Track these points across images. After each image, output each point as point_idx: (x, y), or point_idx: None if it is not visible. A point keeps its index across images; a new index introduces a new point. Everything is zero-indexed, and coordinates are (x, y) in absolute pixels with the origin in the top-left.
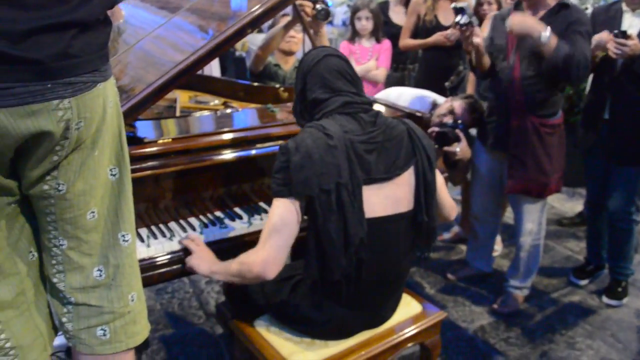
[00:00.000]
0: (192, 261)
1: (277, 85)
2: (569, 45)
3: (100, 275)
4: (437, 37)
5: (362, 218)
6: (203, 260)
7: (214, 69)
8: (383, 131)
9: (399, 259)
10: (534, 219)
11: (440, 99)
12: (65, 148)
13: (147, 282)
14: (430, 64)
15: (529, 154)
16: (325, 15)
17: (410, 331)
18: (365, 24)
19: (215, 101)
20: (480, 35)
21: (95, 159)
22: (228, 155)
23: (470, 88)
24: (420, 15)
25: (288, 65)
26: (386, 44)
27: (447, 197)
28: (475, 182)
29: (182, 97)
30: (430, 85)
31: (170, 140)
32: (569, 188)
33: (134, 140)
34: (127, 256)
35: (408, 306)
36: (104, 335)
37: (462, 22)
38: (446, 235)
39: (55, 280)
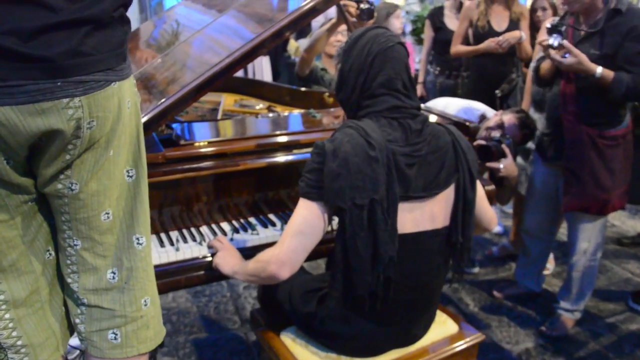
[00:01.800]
0: (216, 260)
1: (323, 90)
2: (629, 75)
3: (114, 278)
4: (488, 44)
5: (394, 236)
6: (226, 260)
7: (265, 72)
8: (428, 142)
9: (431, 276)
10: (589, 238)
11: (490, 111)
12: (78, 147)
13: (174, 286)
14: (481, 71)
15: (586, 168)
16: (369, 14)
17: (445, 352)
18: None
19: (260, 105)
20: (576, 52)
21: (110, 159)
22: (263, 160)
23: (526, 99)
24: (473, 20)
25: (335, 69)
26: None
27: (487, 208)
28: (529, 196)
29: (227, 100)
30: (481, 93)
31: (206, 143)
32: (632, 205)
33: (170, 142)
34: (141, 259)
35: (443, 325)
36: (115, 339)
37: (555, 45)
38: (495, 250)
39: (69, 280)
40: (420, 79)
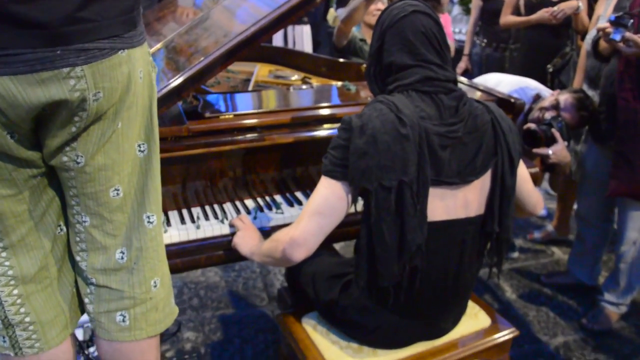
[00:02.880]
0: (236, 239)
1: (362, 62)
2: None
3: (122, 258)
4: (541, 14)
5: (423, 222)
6: (245, 240)
7: (305, 42)
8: (465, 123)
9: (462, 268)
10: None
11: (545, 91)
12: (84, 119)
13: (194, 265)
14: (532, 44)
15: (639, 152)
16: None
17: (475, 347)
18: None
19: (295, 76)
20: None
21: (119, 132)
22: (291, 135)
23: (578, 75)
24: None
25: None
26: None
27: (532, 191)
28: (581, 179)
29: (261, 71)
30: (531, 67)
31: (232, 116)
32: None
33: (196, 115)
34: (152, 239)
35: (475, 318)
36: (123, 321)
37: (617, 39)
38: (537, 235)
39: (78, 258)
40: (466, 51)
